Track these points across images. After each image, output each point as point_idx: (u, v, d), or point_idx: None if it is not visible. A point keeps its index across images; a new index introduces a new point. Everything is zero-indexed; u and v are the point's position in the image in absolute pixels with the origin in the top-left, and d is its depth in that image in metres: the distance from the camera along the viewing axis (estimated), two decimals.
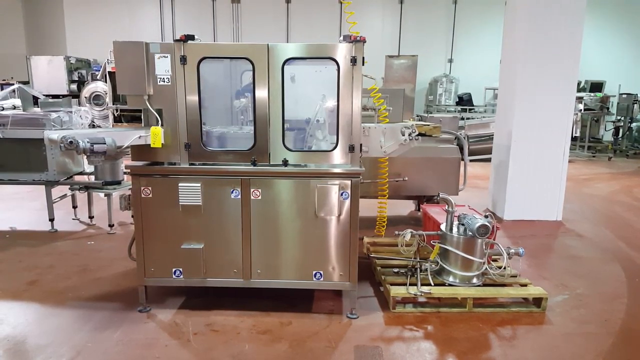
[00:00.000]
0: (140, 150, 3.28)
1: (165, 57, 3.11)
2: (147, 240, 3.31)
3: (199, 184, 3.23)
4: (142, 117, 3.44)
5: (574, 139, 12.25)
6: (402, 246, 3.81)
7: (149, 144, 3.16)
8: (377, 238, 4.72)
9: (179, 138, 3.24)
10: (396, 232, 3.82)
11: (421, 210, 4.77)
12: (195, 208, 3.26)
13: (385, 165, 4.83)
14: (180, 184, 3.22)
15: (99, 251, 4.65)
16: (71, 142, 2.84)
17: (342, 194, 3.22)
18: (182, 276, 3.33)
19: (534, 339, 3.11)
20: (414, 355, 2.88)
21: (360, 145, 3.28)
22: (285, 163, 3.23)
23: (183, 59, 3.10)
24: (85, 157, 3.01)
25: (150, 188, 3.26)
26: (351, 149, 3.22)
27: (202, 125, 3.25)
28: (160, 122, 3.20)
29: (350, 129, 3.21)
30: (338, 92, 3.17)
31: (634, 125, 12.74)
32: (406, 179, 5.12)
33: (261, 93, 3.17)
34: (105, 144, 2.94)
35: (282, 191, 3.25)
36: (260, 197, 3.26)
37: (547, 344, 3.04)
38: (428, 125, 5.46)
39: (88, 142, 2.89)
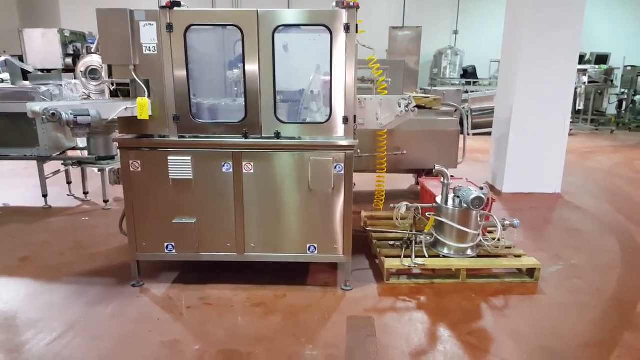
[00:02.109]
0: (129, 123, 3.21)
1: (151, 24, 3.01)
2: (137, 215, 3.28)
3: (189, 158, 3.17)
4: (130, 89, 3.37)
5: (577, 112, 12.12)
6: (397, 219, 3.78)
7: (137, 116, 3.09)
8: (375, 212, 4.69)
9: (167, 110, 3.17)
10: (392, 205, 3.78)
11: (419, 183, 4.73)
12: (186, 182, 3.21)
13: (383, 139, 4.76)
14: (169, 158, 3.17)
15: (94, 227, 4.64)
16: (53, 114, 2.78)
17: (336, 167, 3.16)
18: (174, 251, 3.32)
19: (526, 309, 3.10)
20: (405, 325, 2.88)
21: (355, 117, 3.21)
22: (277, 135, 3.17)
23: (169, 27, 3.00)
24: (70, 129, 2.95)
25: (139, 162, 3.21)
26: (345, 120, 3.15)
27: (191, 97, 3.18)
28: (147, 93, 3.12)
29: (344, 100, 3.13)
30: (331, 61, 3.08)
31: (637, 98, 12.53)
32: (405, 152, 5.07)
33: (251, 62, 3.08)
34: (89, 115, 2.87)
35: (275, 164, 3.20)
36: (252, 171, 3.21)
37: (539, 314, 3.04)
38: (428, 97, 5.35)
39: (71, 114, 2.83)
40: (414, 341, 2.71)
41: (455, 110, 5.21)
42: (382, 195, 4.98)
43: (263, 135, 3.18)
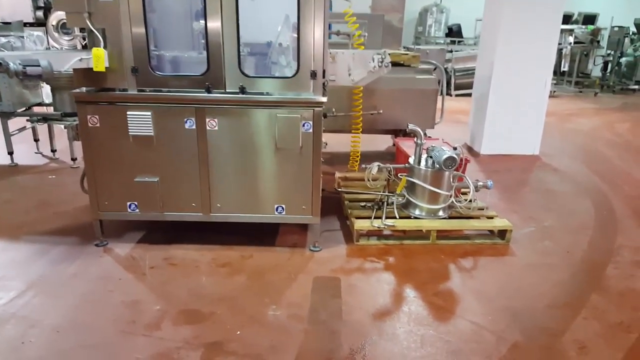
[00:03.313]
0: (86, 76, 3.01)
1: None
2: (98, 173, 3.14)
3: (149, 113, 3.01)
4: (87, 40, 3.15)
5: (562, 73, 12.00)
6: (368, 180, 3.70)
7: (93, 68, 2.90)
8: (349, 173, 4.60)
9: (125, 62, 2.97)
10: (363, 166, 3.69)
11: (394, 143, 4.63)
12: (147, 139, 3.06)
13: (359, 97, 4.62)
14: (128, 113, 3.00)
15: (61, 185, 4.48)
16: (0, 63, 2.58)
17: (304, 125, 3.03)
18: (137, 210, 3.21)
19: (494, 270, 3.10)
20: (372, 286, 2.86)
21: (324, 71, 3.05)
22: (242, 90, 3.00)
23: None
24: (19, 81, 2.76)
25: (97, 117, 3.03)
26: (313, 75, 2.99)
27: (151, 48, 2.98)
28: (103, 43, 2.91)
29: (312, 53, 2.96)
30: (298, 10, 2.89)
31: (623, 60, 12.44)
32: (381, 111, 4.93)
33: (213, 11, 2.87)
34: (39, 66, 2.68)
35: (240, 121, 3.06)
36: (216, 128, 3.06)
37: (507, 275, 3.04)
38: (406, 54, 5.17)
39: (20, 64, 2.63)
40: (379, 302, 2.69)
41: (435, 69, 5.05)
42: (357, 156, 4.89)
43: (227, 90, 3.02)
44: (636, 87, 12.15)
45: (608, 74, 12.48)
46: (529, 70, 5.51)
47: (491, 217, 3.64)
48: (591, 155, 6.11)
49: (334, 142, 5.60)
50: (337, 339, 2.36)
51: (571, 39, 11.16)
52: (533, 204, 4.30)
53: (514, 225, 3.54)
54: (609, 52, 12.44)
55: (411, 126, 3.48)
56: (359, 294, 2.76)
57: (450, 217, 3.59)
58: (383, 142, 6.11)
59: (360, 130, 4.78)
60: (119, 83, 3.02)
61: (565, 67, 11.64)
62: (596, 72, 12.86)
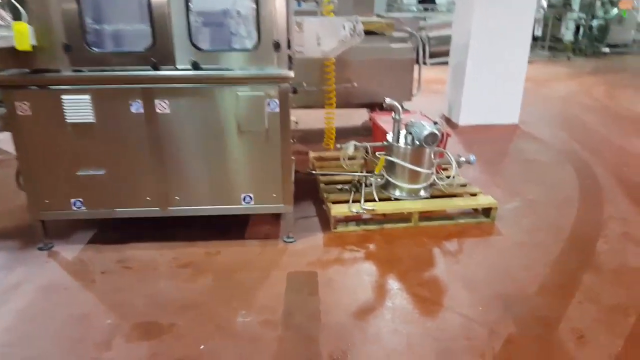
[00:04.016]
0: (12, 56, 2.56)
1: None
2: (34, 168, 2.74)
3: (87, 97, 2.61)
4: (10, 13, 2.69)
5: (534, 38, 11.81)
6: (344, 160, 3.40)
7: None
8: (324, 152, 4.29)
9: (55, 38, 2.54)
10: (338, 145, 3.39)
11: (370, 119, 4.34)
12: (88, 126, 2.67)
13: (331, 70, 4.27)
14: (63, 97, 2.59)
15: (1, 179, 4.03)
16: None
17: (269, 104, 2.69)
18: (83, 207, 2.83)
19: (481, 253, 2.88)
20: (352, 279, 2.60)
21: (289, 42, 2.70)
22: (194, 66, 2.62)
23: None
24: None
25: (27, 103, 2.61)
26: (277, 47, 2.63)
27: (85, 21, 2.55)
28: (26, 16, 2.47)
29: (274, 21, 2.60)
30: None
31: (594, 23, 12.33)
32: (355, 84, 4.61)
33: None
34: None
35: (195, 102, 2.69)
36: (168, 110, 2.68)
37: (494, 257, 2.82)
38: (380, 22, 4.82)
39: None
40: (360, 297, 2.43)
41: (411, 37, 4.72)
42: (332, 134, 4.58)
43: (177, 67, 2.64)
44: (607, 50, 12.11)
45: (580, 38, 12.37)
46: (507, 37, 5.24)
47: (474, 194, 3.41)
48: (570, 121, 5.96)
49: (308, 118, 5.26)
50: (314, 345, 2.10)
51: (544, 3, 10.94)
52: (516, 177, 4.10)
53: (498, 201, 3.33)
54: (580, 15, 12.29)
55: (388, 100, 3.17)
56: (338, 289, 2.50)
57: (432, 196, 3.35)
58: (359, 116, 5.79)
59: (334, 105, 4.46)
60: (51, 63, 2.59)
61: (538, 32, 11.44)
62: (568, 36, 12.73)
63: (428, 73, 9.20)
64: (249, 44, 2.67)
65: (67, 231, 3.08)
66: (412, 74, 4.64)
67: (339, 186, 3.46)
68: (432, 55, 9.74)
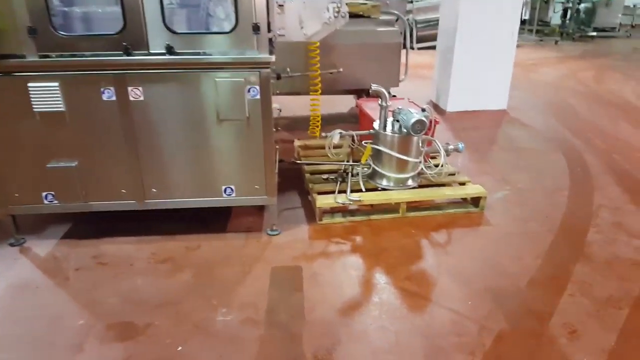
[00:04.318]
0: None
1: None
2: (1, 160, 2.58)
3: (56, 84, 2.45)
4: None
5: (522, 22, 11.72)
6: (329, 149, 3.29)
7: None
8: (310, 140, 4.17)
9: (19, 21, 2.36)
10: (323, 134, 3.28)
11: (357, 105, 4.22)
12: (57, 116, 2.51)
13: (316, 54, 4.13)
14: (30, 85, 2.42)
15: None
16: None
17: (249, 91, 2.55)
18: (55, 201, 2.69)
19: (470, 244, 2.81)
20: (337, 273, 2.51)
21: (269, 24, 2.55)
22: (169, 50, 2.47)
23: None
24: None
25: None
26: (256, 29, 2.48)
27: (52, 2, 2.37)
28: None
29: (253, 2, 2.44)
30: None
31: (582, 6, 12.28)
32: (341, 70, 4.47)
33: None
34: None
35: (171, 89, 2.54)
36: (142, 98, 2.53)
37: (484, 248, 2.75)
38: (365, 4, 4.66)
39: None
40: (346, 293, 2.34)
41: (397, 20, 4.58)
42: (318, 121, 4.45)
43: (151, 51, 2.48)
44: (594, 33, 12.08)
45: (568, 21, 12.31)
46: (495, 21, 5.13)
47: (463, 183, 3.34)
48: (559, 107, 5.90)
49: (294, 105, 5.14)
50: (298, 344, 2.01)
51: None
52: (505, 164, 4.03)
53: (487, 189, 3.25)
54: None
55: (375, 87, 3.05)
56: (323, 284, 2.41)
57: (420, 186, 3.26)
58: (346, 103, 5.66)
59: (320, 91, 4.33)
60: (15, 48, 2.41)
61: (525, 15, 11.36)
62: (555, 19, 12.67)
63: (416, 58, 9.08)
64: (227, 26, 2.52)
65: (40, 226, 2.94)
66: (400, 58, 4.51)
67: (325, 176, 3.35)
68: (419, 40, 9.60)
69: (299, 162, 3.61)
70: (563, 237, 2.88)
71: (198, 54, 2.51)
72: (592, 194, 3.45)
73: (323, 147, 3.69)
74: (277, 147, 3.34)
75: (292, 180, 3.57)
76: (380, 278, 2.46)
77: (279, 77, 4.12)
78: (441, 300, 2.28)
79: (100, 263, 2.59)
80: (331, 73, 4.41)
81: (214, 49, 2.52)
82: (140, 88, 2.52)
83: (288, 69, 4.22)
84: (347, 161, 3.49)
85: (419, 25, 9.43)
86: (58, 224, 2.97)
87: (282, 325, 2.11)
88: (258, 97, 2.57)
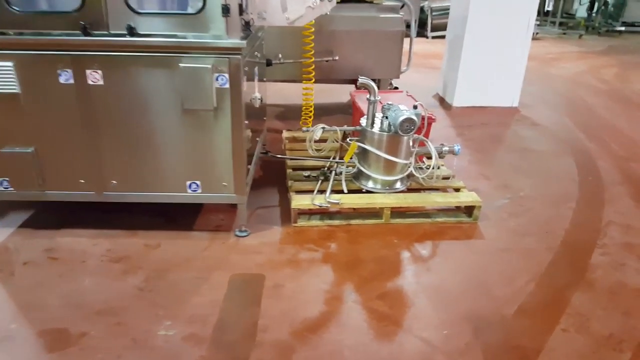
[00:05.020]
0: None
1: None
2: None
3: (10, 63, 2.25)
4: None
5: (545, 13, 11.16)
6: (310, 142, 3.03)
7: None
8: (298, 132, 3.91)
9: None
10: (304, 129, 3.02)
11: (350, 98, 3.93)
12: (11, 98, 2.31)
13: (310, 40, 3.84)
14: None
15: None
16: None
17: (217, 78, 2.31)
18: (11, 188, 2.51)
19: (457, 259, 2.54)
20: (302, 286, 2.27)
21: (241, 5, 2.28)
22: (130, 32, 2.23)
23: None
24: None
25: None
26: (225, 11, 2.22)
27: None
28: None
29: None
30: None
31: None
32: (337, 58, 4.18)
33: None
34: None
35: (132, 74, 2.30)
36: (101, 82, 2.31)
37: (472, 266, 2.48)
38: None
39: None
40: (307, 311, 2.10)
41: (402, 6, 4.25)
42: (311, 111, 4.19)
43: (111, 32, 2.24)
44: (622, 28, 11.44)
45: (594, 14, 11.68)
46: (510, 9, 4.74)
47: (458, 189, 3.06)
48: (575, 106, 5.52)
49: (289, 92, 4.87)
50: None
51: None
52: (508, 168, 3.73)
53: (485, 196, 2.98)
54: None
55: (362, 79, 2.77)
56: (284, 298, 2.18)
57: (409, 190, 2.99)
58: (347, 92, 5.37)
59: (313, 80, 4.05)
60: None
61: (549, 7, 10.79)
62: (581, 12, 12.03)
63: (428, 46, 8.69)
64: (193, 7, 2.26)
65: (1, 211, 2.76)
66: (401, 47, 4.19)
67: (306, 173, 3.10)
68: (434, 28, 9.18)
69: (278, 156, 3.37)
70: (563, 257, 2.59)
71: (162, 36, 2.26)
72: (602, 207, 3.14)
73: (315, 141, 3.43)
74: (257, 138, 3.11)
75: (276, 174, 3.33)
76: (349, 295, 2.22)
77: (269, 64, 3.86)
78: (413, 326, 2.04)
79: (52, 258, 2.40)
80: (327, 61, 4.12)
81: (180, 32, 2.27)
82: (99, 72, 2.29)
83: (280, 55, 3.94)
84: (334, 158, 3.23)
85: (434, 13, 9.00)
86: (18, 211, 2.79)
87: (228, 345, 1.89)
88: (227, 86, 2.33)
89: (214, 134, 2.43)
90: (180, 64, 2.26)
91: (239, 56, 2.28)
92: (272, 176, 3.36)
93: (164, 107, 2.37)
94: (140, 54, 2.27)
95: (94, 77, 2.30)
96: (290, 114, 4.71)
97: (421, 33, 9.94)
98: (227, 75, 2.31)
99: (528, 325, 2.07)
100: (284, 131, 3.89)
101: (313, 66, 3.96)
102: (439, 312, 2.13)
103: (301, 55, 3.92)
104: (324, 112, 4.92)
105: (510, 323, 2.08)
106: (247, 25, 2.53)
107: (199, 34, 2.27)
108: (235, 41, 2.26)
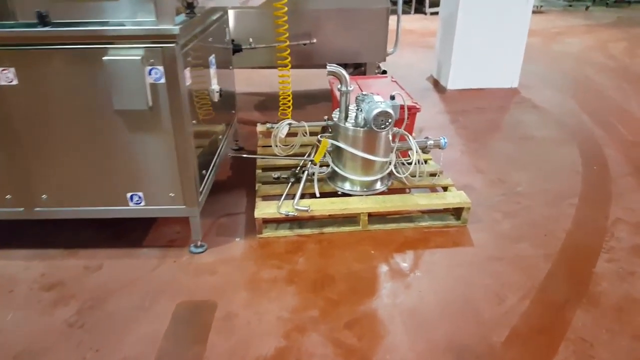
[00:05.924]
0: None
1: None
2: None
3: None
4: None
5: None
6: (276, 138, 2.69)
7: None
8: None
9: None
10: (268, 125, 2.67)
11: (329, 85, 3.56)
12: None
13: (283, 22, 3.46)
14: None
15: None
16: None
17: (150, 72, 1.95)
18: None
19: (440, 273, 2.19)
20: (259, 314, 1.94)
21: None
22: (42, 20, 1.88)
23: None
24: None
25: None
26: None
27: None
28: None
29: None
30: None
31: None
32: (314, 41, 3.80)
33: None
34: None
35: (50, 71, 1.95)
36: (15, 82, 1.96)
37: (458, 280, 2.14)
38: None
39: None
40: (261, 348, 1.78)
41: None
42: (289, 100, 3.82)
43: (19, 21, 1.89)
44: None
45: None
46: None
47: (445, 188, 2.71)
48: (581, 85, 5.10)
49: (270, 80, 4.50)
50: None
51: None
52: (505, 159, 3.36)
53: (477, 193, 2.64)
54: None
55: (331, 67, 2.40)
56: (235, 332, 1.86)
57: (390, 190, 2.65)
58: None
59: (289, 66, 3.67)
60: None
61: None
62: None
63: (425, 24, 8.22)
64: None
65: None
66: (387, 26, 3.79)
67: (276, 174, 2.76)
68: (433, 4, 8.69)
69: (244, 155, 3.02)
70: (563, 266, 2.24)
71: (80, 24, 1.91)
72: (608, 202, 2.78)
73: (289, 135, 3.08)
74: (221, 136, 2.76)
75: (248, 174, 2.99)
76: (313, 325, 1.89)
77: (239, 49, 3.49)
78: None
79: None
80: (304, 44, 3.75)
81: (102, 18, 1.92)
82: (11, 69, 1.94)
83: (250, 40, 3.59)
84: (308, 155, 2.89)
85: None
86: None
87: None
88: (163, 81, 1.97)
89: (152, 138, 2.08)
90: (104, 58, 1.91)
91: (173, 45, 1.92)
92: (242, 177, 3.03)
93: (92, 109, 2.02)
94: (56, 47, 1.91)
95: (7, 76, 1.96)
96: (272, 103, 4.35)
97: (419, 9, 9.45)
98: (161, 68, 1.95)
99: (520, 357, 1.73)
100: (258, 124, 3.53)
101: (288, 51, 3.57)
102: (417, 341, 1.80)
103: (275, 39, 3.54)
104: (308, 101, 4.56)
105: (499, 354, 1.74)
106: (189, 7, 2.17)
107: (125, 20, 1.91)
108: (168, 27, 1.89)
